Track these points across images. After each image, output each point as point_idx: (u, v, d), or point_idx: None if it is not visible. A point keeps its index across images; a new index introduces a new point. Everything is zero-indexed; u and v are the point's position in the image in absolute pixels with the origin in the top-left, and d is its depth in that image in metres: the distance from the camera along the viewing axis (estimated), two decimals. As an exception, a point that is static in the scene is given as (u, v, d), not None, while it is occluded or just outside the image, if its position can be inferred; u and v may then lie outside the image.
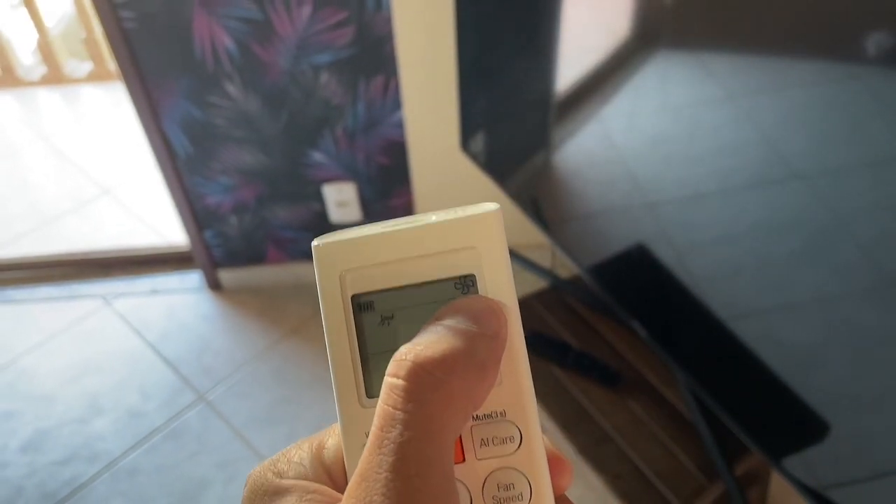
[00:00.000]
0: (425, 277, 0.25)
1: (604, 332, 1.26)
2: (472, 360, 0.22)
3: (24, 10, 2.60)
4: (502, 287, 0.25)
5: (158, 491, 1.58)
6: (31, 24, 2.62)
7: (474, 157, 1.35)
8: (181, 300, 2.02)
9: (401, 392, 0.21)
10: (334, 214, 1.83)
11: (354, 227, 0.26)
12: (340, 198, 1.79)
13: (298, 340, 1.88)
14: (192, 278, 2.07)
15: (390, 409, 0.21)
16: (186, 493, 1.57)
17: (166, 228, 2.24)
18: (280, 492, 0.24)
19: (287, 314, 1.94)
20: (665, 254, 0.98)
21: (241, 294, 2.01)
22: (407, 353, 0.22)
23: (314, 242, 0.26)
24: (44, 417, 1.74)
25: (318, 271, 0.26)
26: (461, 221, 0.25)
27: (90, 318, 1.98)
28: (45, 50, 2.74)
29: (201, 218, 1.86)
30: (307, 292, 1.99)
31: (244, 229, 1.89)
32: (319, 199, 1.80)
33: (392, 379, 0.22)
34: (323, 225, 1.86)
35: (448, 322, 0.23)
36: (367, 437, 0.24)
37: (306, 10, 1.44)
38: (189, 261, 2.08)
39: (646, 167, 0.99)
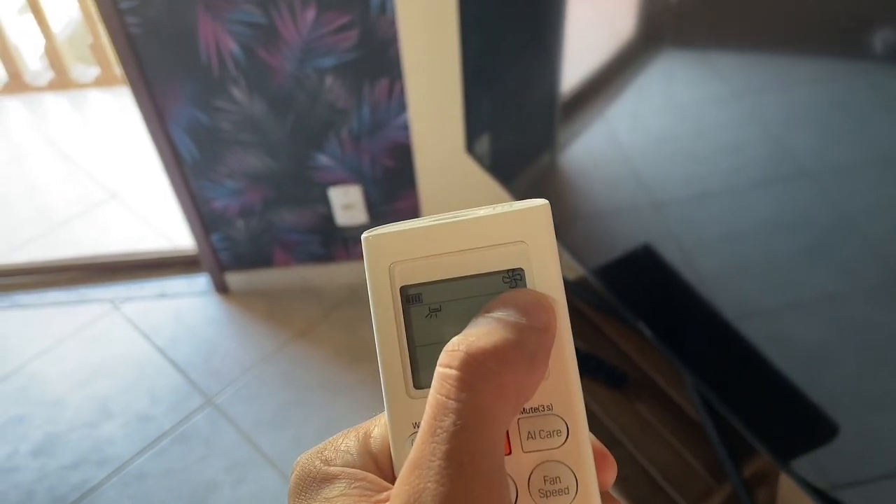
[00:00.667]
0: (474, 270, 0.26)
1: (610, 333, 1.26)
2: (522, 353, 0.23)
3: (30, 16, 2.62)
4: (551, 281, 0.25)
5: (167, 494, 1.59)
6: (37, 29, 2.64)
7: (479, 159, 1.35)
8: (189, 304, 2.03)
9: (454, 382, 0.21)
10: (340, 217, 1.83)
11: (403, 221, 0.26)
12: (346, 201, 1.79)
13: (306, 343, 1.88)
14: (200, 282, 2.08)
15: (443, 398, 0.21)
16: (195, 497, 1.58)
17: (173, 232, 2.25)
18: (328, 479, 0.24)
19: (294, 317, 1.95)
20: (671, 254, 0.98)
21: (249, 297, 2.02)
22: (459, 344, 0.22)
23: (364, 235, 0.26)
24: (53, 422, 1.75)
25: (368, 263, 0.26)
26: (510, 216, 0.26)
27: (98, 322, 1.99)
28: (53, 55, 2.75)
29: (208, 222, 1.87)
30: (314, 295, 1.99)
31: (251, 233, 1.90)
32: (325, 202, 1.80)
33: (445, 369, 0.22)
34: (329, 228, 1.87)
35: (498, 314, 0.24)
36: (413, 427, 0.25)
37: (311, 14, 1.44)
38: (196, 264, 2.09)
39: (652, 167, 0.99)
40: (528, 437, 0.25)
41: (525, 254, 0.26)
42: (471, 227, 0.26)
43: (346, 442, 0.26)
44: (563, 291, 0.25)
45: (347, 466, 0.25)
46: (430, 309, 0.26)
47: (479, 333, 0.23)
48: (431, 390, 0.22)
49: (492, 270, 0.26)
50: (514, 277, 0.26)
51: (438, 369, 0.22)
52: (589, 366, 1.20)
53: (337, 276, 1.99)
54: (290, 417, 1.71)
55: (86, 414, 1.76)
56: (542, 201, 0.26)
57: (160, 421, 1.73)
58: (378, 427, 0.27)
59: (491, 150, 1.35)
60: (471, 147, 1.36)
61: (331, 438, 0.26)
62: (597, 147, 1.10)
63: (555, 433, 0.25)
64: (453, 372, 0.22)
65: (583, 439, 0.25)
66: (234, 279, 2.02)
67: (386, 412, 0.25)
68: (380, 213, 1.82)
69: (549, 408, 0.25)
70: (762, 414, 0.93)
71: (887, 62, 0.63)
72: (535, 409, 0.25)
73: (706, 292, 0.94)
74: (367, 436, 0.26)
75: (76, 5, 2.77)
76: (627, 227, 1.08)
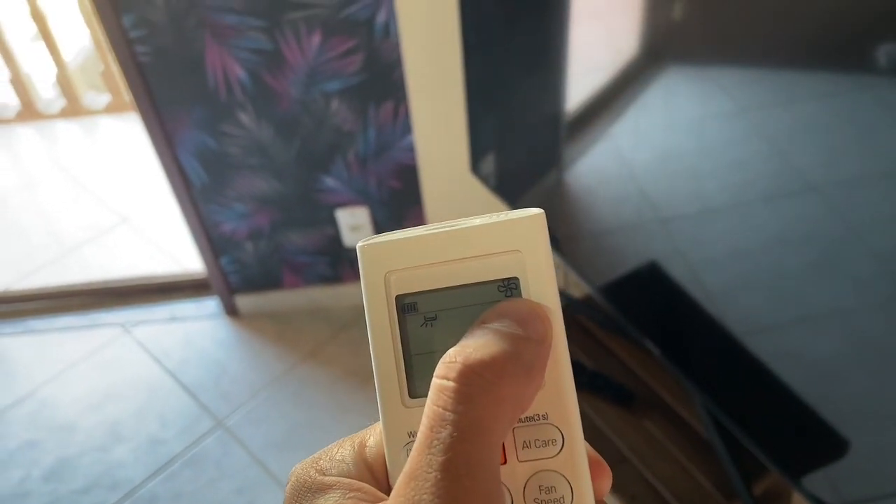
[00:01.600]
0: (469, 279, 0.26)
1: (617, 351, 1.25)
2: (519, 364, 0.23)
3: (42, 44, 2.66)
4: (546, 290, 0.25)
5: (178, 518, 1.59)
6: (49, 57, 2.68)
7: (485, 179, 1.36)
8: (199, 327, 2.04)
9: (451, 393, 0.21)
10: (348, 238, 1.84)
11: (399, 230, 0.27)
12: (354, 222, 1.80)
13: (315, 364, 1.88)
14: (210, 305, 2.09)
15: (440, 409, 0.21)
16: (206, 520, 1.58)
17: (183, 256, 2.27)
18: (323, 488, 0.24)
19: (304, 338, 1.96)
20: (678, 270, 0.98)
21: (258, 319, 2.03)
22: (457, 356, 0.22)
23: (359, 243, 0.26)
24: (65, 446, 1.76)
25: (363, 272, 0.26)
26: (505, 225, 0.26)
27: (109, 346, 2.00)
28: (64, 83, 2.80)
29: (217, 245, 1.89)
30: (323, 316, 2.00)
31: (260, 255, 1.91)
32: (333, 223, 1.82)
33: (442, 381, 0.22)
34: (337, 249, 1.88)
35: (495, 325, 0.24)
36: (409, 436, 0.25)
37: (316, 40, 1.47)
38: (206, 287, 2.10)
39: (658, 183, 0.99)
40: (523, 447, 0.25)
41: (520, 263, 0.26)
42: (466, 237, 0.26)
43: (341, 451, 0.26)
44: (559, 300, 0.25)
45: (343, 476, 0.25)
46: (425, 318, 0.26)
47: (477, 345, 0.23)
48: (428, 401, 0.22)
49: (487, 279, 0.26)
50: (510, 286, 0.26)
51: (435, 381, 0.22)
52: (596, 384, 1.19)
53: (345, 297, 1.99)
54: (300, 439, 1.71)
55: (97, 438, 1.77)
56: (537, 210, 0.26)
57: (171, 444, 1.73)
58: (373, 436, 0.27)
59: (496, 170, 1.36)
60: (476, 167, 1.37)
61: (326, 448, 0.26)
62: (602, 165, 1.10)
63: (550, 442, 0.25)
64: (451, 384, 0.22)
65: (578, 449, 0.25)
66: (244, 301, 2.03)
67: (381, 421, 0.25)
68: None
69: (545, 417, 0.25)
70: (772, 431, 0.92)
71: (892, 75, 0.64)
72: (531, 419, 0.25)
73: (714, 309, 0.94)
74: (362, 445, 0.26)
75: (87, 34, 2.82)
76: (634, 244, 1.08)
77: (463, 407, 0.21)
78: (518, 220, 0.26)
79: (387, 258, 0.26)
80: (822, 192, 0.74)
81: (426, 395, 0.23)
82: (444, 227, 0.26)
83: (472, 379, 0.22)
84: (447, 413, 0.21)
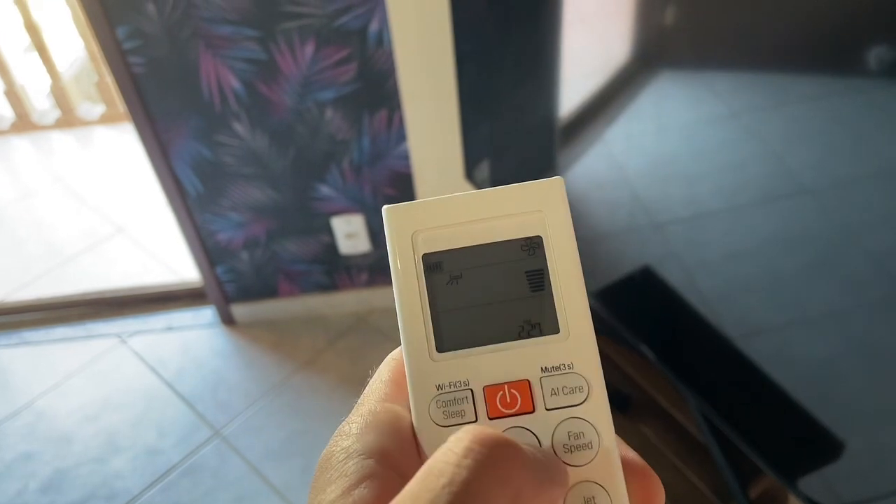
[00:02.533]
0: (493, 238, 0.27)
1: (612, 356, 1.26)
2: (535, 469, 0.23)
3: (36, 56, 2.67)
4: (567, 247, 0.27)
5: (176, 528, 1.59)
6: (44, 69, 2.68)
7: (479, 185, 1.37)
8: (195, 336, 2.04)
9: (459, 448, 0.21)
10: (344, 246, 1.84)
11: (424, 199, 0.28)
12: (349, 230, 1.81)
13: (312, 373, 1.88)
14: (206, 314, 2.09)
15: (450, 452, 0.21)
16: (204, 530, 1.58)
17: (179, 265, 2.27)
18: (343, 472, 0.24)
19: (300, 347, 1.96)
20: (673, 274, 0.99)
21: (255, 328, 2.03)
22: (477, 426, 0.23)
23: (385, 207, 0.27)
24: (62, 458, 1.75)
25: (389, 233, 0.27)
26: (528, 187, 0.27)
27: (106, 356, 2.00)
28: (59, 94, 2.80)
29: (213, 254, 1.89)
30: (320, 324, 2.00)
31: (255, 264, 1.91)
32: (329, 231, 1.82)
33: (462, 433, 0.22)
34: (333, 257, 1.88)
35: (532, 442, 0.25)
36: (436, 388, 0.26)
37: (309, 49, 1.47)
38: (202, 297, 2.10)
39: (652, 188, 1.00)
40: (550, 395, 0.26)
41: (542, 222, 0.27)
42: (490, 198, 0.27)
43: (349, 426, 0.26)
44: (578, 259, 0.27)
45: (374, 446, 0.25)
46: (451, 276, 0.27)
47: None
48: (435, 452, 0.22)
49: (511, 238, 0.27)
50: (533, 245, 0.27)
51: (451, 437, 0.22)
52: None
53: (342, 304, 1.99)
54: (297, 448, 1.71)
55: (94, 449, 1.76)
56: (557, 177, 0.27)
57: (168, 454, 1.73)
58: (372, 402, 0.27)
59: (490, 177, 1.36)
60: (470, 174, 1.37)
61: (338, 429, 0.27)
62: (596, 170, 1.11)
63: (577, 390, 0.26)
64: (463, 442, 0.22)
65: (602, 397, 0.26)
66: (240, 311, 2.03)
67: (408, 376, 0.26)
68: (382, 241, 1.83)
69: (570, 366, 0.26)
70: (767, 434, 0.93)
71: (883, 78, 0.64)
72: (557, 368, 0.26)
73: (709, 312, 0.95)
74: (370, 413, 0.26)
75: (81, 44, 2.83)
76: (628, 248, 1.09)
77: (468, 462, 0.21)
78: (540, 183, 0.27)
79: (413, 219, 0.27)
80: (815, 194, 0.75)
81: (452, 350, 0.25)
82: (468, 193, 0.27)
83: (485, 444, 0.22)
84: (453, 456, 0.21)
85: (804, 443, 0.88)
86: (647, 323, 1.08)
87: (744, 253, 0.88)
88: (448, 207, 0.27)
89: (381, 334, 1.95)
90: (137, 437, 1.78)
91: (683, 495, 1.07)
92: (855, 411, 0.81)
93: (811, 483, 0.86)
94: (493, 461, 0.21)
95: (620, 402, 1.17)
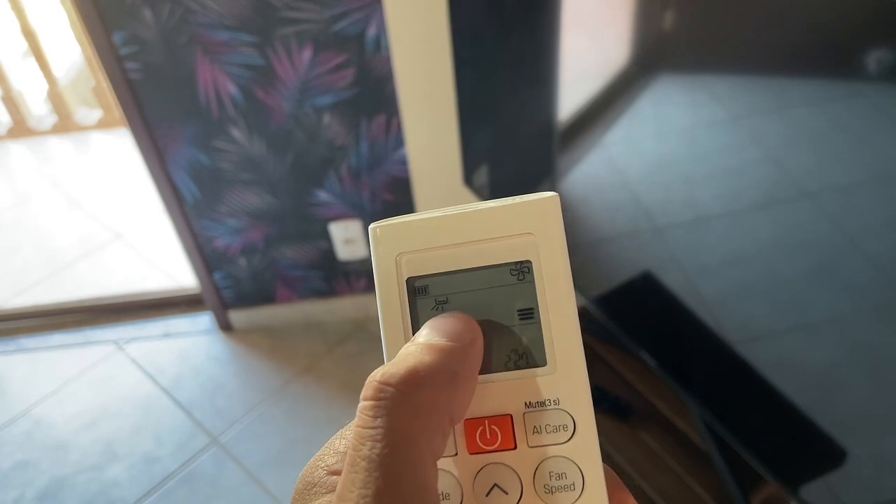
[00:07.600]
0: (481, 262, 0.26)
1: (613, 363, 1.25)
2: (441, 373, 0.23)
3: (33, 61, 2.66)
4: (559, 273, 0.25)
5: (174, 537, 1.58)
6: (40, 74, 2.68)
7: (478, 191, 1.36)
8: (193, 342, 2.03)
9: (368, 410, 0.22)
10: (342, 252, 1.84)
11: (411, 214, 0.26)
12: (347, 235, 1.80)
13: (310, 379, 1.88)
14: (203, 320, 2.08)
15: (360, 428, 0.21)
16: (202, 539, 1.56)
17: (176, 271, 2.26)
18: (331, 488, 0.24)
19: (298, 353, 1.95)
20: (674, 280, 0.98)
21: (252, 334, 2.02)
22: (374, 374, 0.22)
23: (371, 225, 0.26)
24: (59, 466, 1.74)
25: (375, 254, 0.26)
26: (519, 207, 0.26)
27: (103, 363, 1.99)
28: (56, 99, 2.79)
29: (211, 260, 1.88)
30: (318, 331, 1.99)
31: (253, 270, 1.91)
32: (327, 237, 1.81)
33: (361, 402, 0.22)
34: (331, 263, 1.87)
35: (419, 340, 0.24)
36: None
37: (307, 55, 1.47)
38: (200, 303, 2.09)
39: (652, 192, 0.99)
40: (533, 432, 0.24)
41: (533, 246, 0.25)
42: (479, 219, 0.26)
43: (343, 442, 0.26)
44: (571, 283, 0.25)
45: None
46: (436, 301, 0.26)
47: (395, 361, 0.23)
48: (352, 424, 0.22)
49: (499, 262, 0.25)
50: (522, 269, 0.25)
51: (359, 404, 0.22)
52: (593, 397, 1.19)
53: (340, 310, 1.99)
54: (296, 455, 1.70)
55: (91, 457, 1.75)
56: (552, 193, 0.26)
57: (166, 462, 1.72)
58: None
59: (489, 182, 1.36)
60: (469, 179, 1.37)
61: (327, 443, 0.26)
62: (596, 174, 1.11)
63: (561, 428, 0.24)
64: (367, 402, 0.22)
65: (590, 435, 0.24)
66: (238, 317, 2.02)
67: None
68: (381, 246, 1.83)
69: (556, 402, 0.24)
70: (769, 441, 0.92)
71: (883, 81, 0.64)
72: (541, 403, 0.24)
73: (710, 318, 0.94)
74: None
75: (78, 49, 2.82)
76: (629, 254, 1.08)
77: (380, 421, 0.21)
78: (532, 202, 0.25)
79: (399, 240, 0.26)
80: (816, 199, 0.74)
81: None
82: (457, 209, 0.26)
83: (385, 392, 0.22)
84: (366, 430, 0.21)
85: (806, 449, 0.87)
86: (648, 329, 1.08)
87: (744, 257, 0.87)
88: (437, 227, 0.26)
89: (380, 341, 1.94)
90: (135, 445, 1.77)
91: (685, 503, 1.06)
92: (857, 417, 0.81)
93: (814, 490, 0.86)
94: (397, 402, 0.21)
95: (622, 411, 1.17)
